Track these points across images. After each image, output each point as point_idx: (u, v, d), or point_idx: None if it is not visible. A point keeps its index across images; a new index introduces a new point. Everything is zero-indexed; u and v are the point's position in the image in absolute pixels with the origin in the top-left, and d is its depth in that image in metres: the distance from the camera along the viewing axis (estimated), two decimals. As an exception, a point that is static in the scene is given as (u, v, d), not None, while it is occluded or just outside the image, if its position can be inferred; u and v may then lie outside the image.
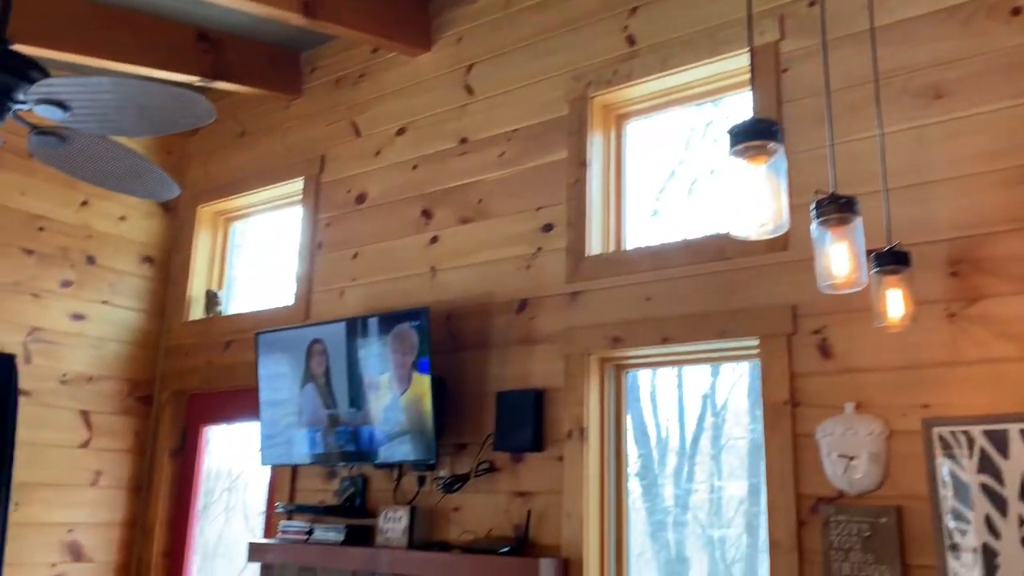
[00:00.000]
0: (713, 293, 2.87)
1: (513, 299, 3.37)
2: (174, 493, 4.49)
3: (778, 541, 2.57)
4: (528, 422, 3.14)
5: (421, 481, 3.42)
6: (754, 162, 1.56)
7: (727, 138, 1.54)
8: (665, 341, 2.93)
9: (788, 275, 2.74)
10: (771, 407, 2.67)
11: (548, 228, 3.35)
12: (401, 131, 3.97)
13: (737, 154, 1.55)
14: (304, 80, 4.50)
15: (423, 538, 3.32)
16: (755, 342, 2.78)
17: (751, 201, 1.57)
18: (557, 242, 3.31)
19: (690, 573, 3.02)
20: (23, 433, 4.03)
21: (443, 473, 3.37)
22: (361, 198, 4.05)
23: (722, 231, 2.94)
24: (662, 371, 3.18)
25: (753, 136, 1.54)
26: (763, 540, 2.77)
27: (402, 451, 3.29)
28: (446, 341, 3.50)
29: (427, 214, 3.76)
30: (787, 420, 2.63)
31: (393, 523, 3.33)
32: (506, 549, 2.97)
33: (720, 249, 2.88)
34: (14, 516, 3.97)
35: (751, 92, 1.95)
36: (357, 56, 4.27)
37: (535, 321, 3.29)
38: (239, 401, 4.33)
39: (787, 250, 2.75)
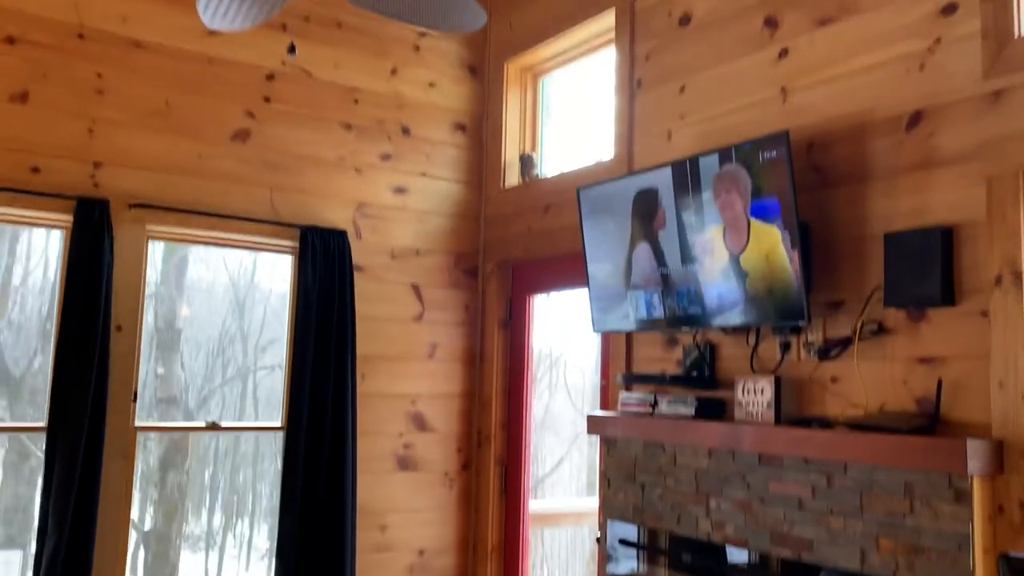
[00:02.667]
0: None
1: (901, 113, 2.59)
2: (506, 364, 4.37)
3: None
4: (933, 268, 2.41)
5: (785, 347, 2.85)
6: None
7: None
8: None
9: None
10: None
11: (950, 10, 2.48)
12: (730, -72, 3.23)
13: None
14: None
15: (793, 413, 2.78)
16: None
17: None
18: (965, 26, 2.44)
19: None
20: (361, 308, 4.07)
21: (813, 337, 2.77)
22: (685, 19, 3.41)
23: None
24: None
25: None
26: None
27: (761, 312, 2.74)
28: (807, 177, 2.83)
29: (771, 23, 3.04)
30: None
31: (754, 395, 2.82)
32: (909, 429, 2.33)
33: None
34: (362, 387, 4.07)
35: None
36: None
37: (935, 138, 2.49)
38: (562, 268, 4.03)
39: None
